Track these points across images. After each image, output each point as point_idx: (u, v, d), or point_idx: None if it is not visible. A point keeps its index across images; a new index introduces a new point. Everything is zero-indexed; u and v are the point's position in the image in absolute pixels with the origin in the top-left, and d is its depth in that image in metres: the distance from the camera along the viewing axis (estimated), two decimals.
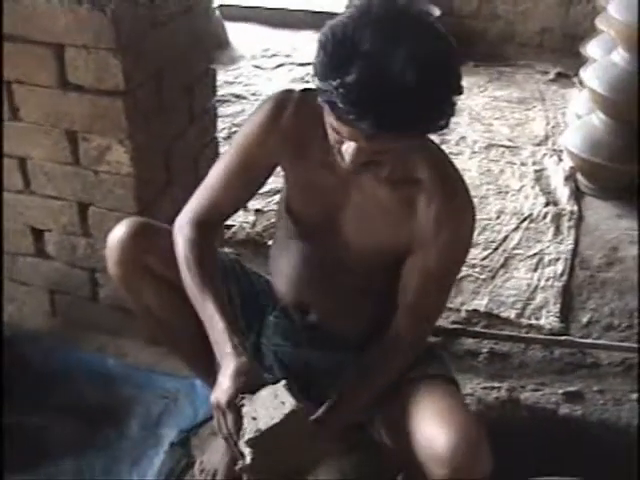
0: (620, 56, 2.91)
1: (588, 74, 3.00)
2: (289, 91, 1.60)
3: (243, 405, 1.41)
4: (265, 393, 1.42)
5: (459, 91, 1.33)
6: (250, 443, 1.37)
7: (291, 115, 1.56)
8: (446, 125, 1.35)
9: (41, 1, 1.84)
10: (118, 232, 1.70)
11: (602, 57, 3.10)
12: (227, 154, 1.67)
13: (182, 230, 1.65)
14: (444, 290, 1.65)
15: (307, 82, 4.02)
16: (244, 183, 1.67)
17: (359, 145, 1.33)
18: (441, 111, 1.31)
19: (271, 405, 1.40)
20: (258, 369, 1.52)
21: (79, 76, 1.91)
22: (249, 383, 1.43)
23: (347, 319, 1.74)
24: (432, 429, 1.50)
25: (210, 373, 1.76)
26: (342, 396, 1.59)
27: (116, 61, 1.85)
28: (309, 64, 4.18)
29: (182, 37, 2.11)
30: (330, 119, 1.34)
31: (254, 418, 1.39)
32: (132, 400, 2.12)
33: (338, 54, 1.25)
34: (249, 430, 1.38)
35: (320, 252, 1.68)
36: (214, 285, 1.60)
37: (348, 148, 1.36)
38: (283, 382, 1.43)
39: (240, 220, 2.83)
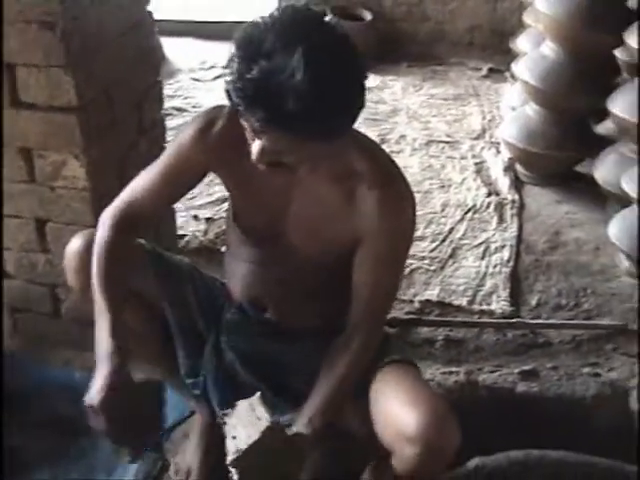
0: (549, 48, 3.04)
1: (519, 67, 3.13)
2: (220, 107, 1.67)
3: (225, 423, 1.47)
4: (242, 407, 1.49)
5: (356, 107, 1.41)
6: (234, 464, 1.44)
7: (221, 129, 1.64)
8: (340, 135, 1.44)
9: None
10: (75, 243, 1.77)
11: (532, 50, 3.23)
12: (158, 160, 1.74)
13: (103, 224, 1.72)
14: (394, 275, 1.71)
15: None
16: (168, 188, 1.74)
17: (262, 143, 1.41)
18: (331, 121, 1.37)
19: (249, 422, 1.47)
20: (128, 373, 1.59)
21: (31, 94, 1.94)
22: (121, 383, 1.53)
23: (302, 315, 1.80)
24: (400, 409, 1.57)
25: (169, 375, 1.81)
26: (314, 396, 1.64)
27: (67, 78, 1.89)
28: None
29: (130, 52, 2.15)
30: (240, 117, 1.42)
31: (234, 437, 1.46)
32: None
33: (245, 50, 1.34)
34: (231, 451, 1.45)
35: (270, 255, 1.75)
36: (114, 285, 1.67)
37: (254, 145, 1.43)
38: (257, 395, 1.50)
39: (192, 229, 2.88)
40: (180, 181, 1.74)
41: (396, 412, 1.57)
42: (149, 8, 2.26)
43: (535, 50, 3.15)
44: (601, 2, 2.85)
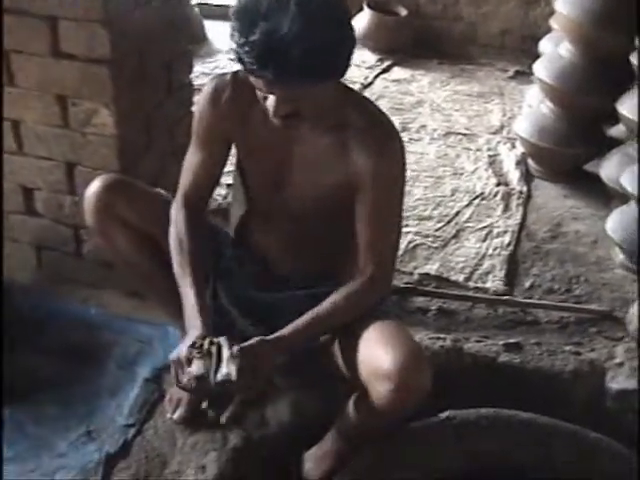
0: (565, 49, 3.17)
1: (537, 66, 3.26)
2: (223, 74, 1.85)
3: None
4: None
5: (349, 42, 1.59)
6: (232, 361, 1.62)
7: (229, 93, 1.81)
8: (343, 72, 1.62)
9: None
10: (94, 185, 1.94)
11: (551, 51, 3.36)
12: (191, 140, 1.92)
13: (175, 213, 1.90)
14: (391, 223, 1.83)
15: None
16: (210, 160, 1.91)
17: (277, 96, 1.58)
18: (332, 59, 1.56)
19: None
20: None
21: (71, 45, 2.12)
22: None
23: (301, 265, 1.96)
24: (378, 348, 1.71)
25: (178, 315, 1.98)
26: (302, 317, 1.77)
27: (104, 32, 2.07)
28: None
29: (164, 17, 2.33)
30: (252, 79, 1.59)
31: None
32: (111, 343, 2.34)
33: (243, 18, 1.51)
34: (226, 357, 1.63)
35: (272, 206, 1.91)
36: (194, 263, 1.84)
37: (270, 101, 1.60)
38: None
39: (214, 193, 3.05)
40: (213, 151, 1.90)
41: (374, 350, 1.72)
42: None
43: (553, 50, 3.28)
44: (617, 5, 2.96)
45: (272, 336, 1.74)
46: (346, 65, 1.63)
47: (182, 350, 1.68)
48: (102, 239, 2.02)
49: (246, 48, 1.50)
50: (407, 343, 1.73)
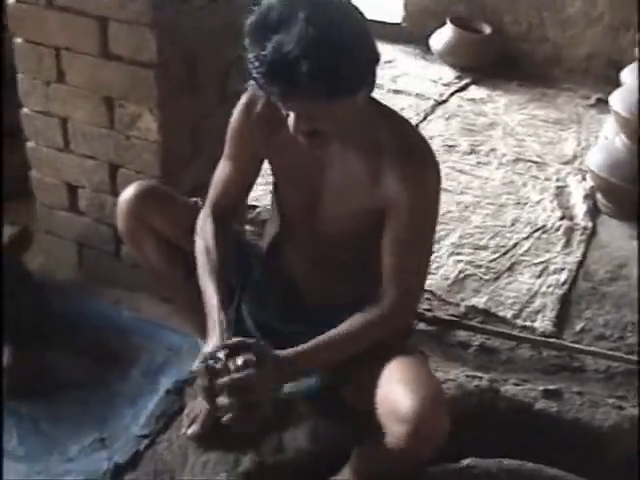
0: None
1: (613, 97, 3.10)
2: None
3: None
4: None
5: (364, 59, 1.49)
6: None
7: (261, 107, 1.75)
8: (361, 90, 1.53)
9: None
10: (128, 192, 1.94)
11: (631, 82, 3.20)
12: (224, 151, 1.88)
13: (201, 224, 1.88)
14: (419, 253, 1.74)
15: None
16: (239, 173, 1.88)
17: (294, 113, 1.52)
18: (344, 76, 1.45)
19: None
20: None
21: (120, 47, 2.11)
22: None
23: (327, 291, 1.89)
24: (397, 389, 1.63)
25: (201, 325, 1.95)
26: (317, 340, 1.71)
27: (151, 36, 2.05)
28: None
29: (219, 23, 2.27)
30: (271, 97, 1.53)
31: None
32: (139, 349, 2.32)
33: (256, 33, 1.44)
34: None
35: (303, 228, 1.85)
36: (219, 273, 1.80)
37: (290, 118, 1.53)
38: None
39: (265, 203, 3.00)
40: (242, 164, 1.87)
41: (394, 391, 1.65)
42: None
43: (633, 82, 3.11)
44: None
45: (291, 350, 1.68)
46: (364, 83, 1.54)
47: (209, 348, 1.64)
48: (131, 245, 2.02)
49: (256, 63, 1.45)
50: (428, 387, 1.64)
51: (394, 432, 1.61)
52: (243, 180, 1.91)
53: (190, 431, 2.06)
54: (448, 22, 4.41)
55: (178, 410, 2.14)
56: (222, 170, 1.90)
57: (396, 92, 4.15)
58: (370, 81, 1.57)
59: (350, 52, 1.45)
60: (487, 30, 4.43)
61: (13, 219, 2.38)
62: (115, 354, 2.30)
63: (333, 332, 1.72)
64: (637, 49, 2.87)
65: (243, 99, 1.81)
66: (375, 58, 1.54)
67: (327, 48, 1.41)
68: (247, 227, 2.84)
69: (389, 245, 1.71)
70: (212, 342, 1.67)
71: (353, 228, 1.77)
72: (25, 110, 2.37)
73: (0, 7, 2.28)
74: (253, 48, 1.45)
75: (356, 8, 1.52)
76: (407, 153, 1.65)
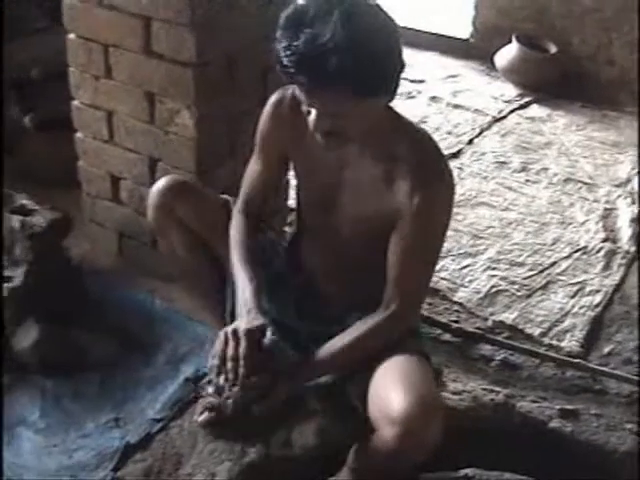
0: None
1: None
2: (285, 88, 1.85)
3: None
4: None
5: (391, 64, 1.56)
6: None
7: (288, 108, 1.82)
8: (384, 94, 1.59)
9: None
10: (159, 184, 2.04)
11: None
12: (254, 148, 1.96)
13: (234, 216, 1.98)
14: (424, 262, 1.78)
15: (413, 97, 4.22)
16: (266, 170, 1.96)
17: (316, 109, 1.57)
18: (370, 75, 1.51)
19: None
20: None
21: (161, 46, 2.20)
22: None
23: (343, 287, 1.94)
24: (391, 390, 1.66)
25: (215, 313, 2.01)
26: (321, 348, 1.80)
27: (190, 36, 2.13)
28: (421, 81, 4.40)
29: (259, 24, 2.32)
30: (295, 90, 1.61)
31: None
32: (165, 338, 2.41)
33: (291, 23, 1.51)
34: None
35: (319, 225, 1.92)
36: (251, 258, 1.91)
37: (311, 116, 1.58)
38: None
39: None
40: (270, 162, 1.95)
41: (387, 392, 1.67)
42: None
43: None
44: None
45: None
46: (388, 88, 1.60)
47: (245, 322, 1.76)
48: (159, 234, 2.12)
49: (287, 52, 1.51)
50: (420, 389, 1.66)
51: (385, 433, 1.64)
52: (270, 177, 1.99)
53: (201, 418, 2.11)
54: (514, 40, 4.39)
55: (194, 399, 2.20)
56: (251, 167, 1.99)
57: (455, 107, 4.16)
58: (393, 87, 1.62)
59: (379, 55, 1.52)
60: (553, 49, 4.39)
61: (60, 206, 2.48)
62: (142, 340, 2.38)
63: (340, 340, 1.79)
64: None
65: (271, 99, 1.88)
66: (401, 66, 1.59)
67: (358, 47, 1.47)
68: (287, 229, 2.89)
69: (394, 251, 1.75)
70: (246, 318, 1.78)
71: (368, 230, 1.81)
72: (75, 102, 2.48)
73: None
74: (286, 39, 1.51)
75: (389, 16, 1.58)
76: (421, 164, 1.69)
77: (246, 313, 1.81)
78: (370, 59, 1.50)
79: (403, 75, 1.62)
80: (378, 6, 1.57)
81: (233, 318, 1.99)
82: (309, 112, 1.62)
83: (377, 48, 1.52)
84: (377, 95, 1.60)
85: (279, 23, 1.53)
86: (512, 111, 4.18)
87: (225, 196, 2.10)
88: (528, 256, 2.99)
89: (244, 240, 1.93)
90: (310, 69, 1.50)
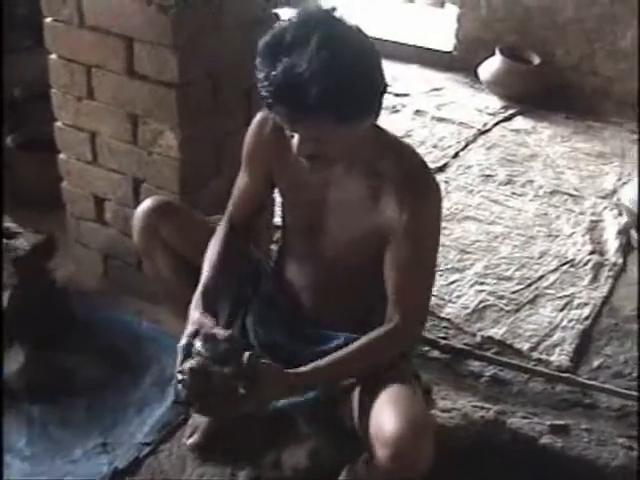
0: None
1: None
2: None
3: None
4: None
5: (373, 87, 1.55)
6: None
7: (270, 128, 1.81)
8: (368, 117, 1.58)
9: None
10: (143, 205, 2.02)
11: None
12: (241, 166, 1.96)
13: (218, 226, 1.97)
14: (420, 274, 1.77)
15: (397, 111, 4.22)
16: (252, 187, 1.95)
17: (299, 135, 1.56)
18: (351, 101, 1.50)
19: None
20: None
21: (144, 67, 2.19)
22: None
23: (329, 308, 1.92)
24: (384, 413, 1.65)
25: None
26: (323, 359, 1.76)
27: (173, 57, 2.12)
28: (405, 95, 4.40)
29: (244, 45, 2.30)
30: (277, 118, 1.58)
31: None
32: (153, 359, 2.38)
33: (268, 53, 1.50)
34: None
35: (304, 245, 1.90)
36: (214, 263, 1.90)
37: (294, 140, 1.57)
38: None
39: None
40: (254, 179, 1.94)
41: (381, 414, 1.67)
42: (275, 10, 2.46)
43: None
44: None
45: (292, 370, 1.73)
46: (371, 110, 1.59)
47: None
48: (144, 256, 2.10)
49: (265, 82, 1.51)
50: (413, 413, 1.65)
51: (379, 454, 1.63)
52: (255, 194, 1.98)
53: (190, 441, 2.10)
54: (497, 52, 4.40)
55: (182, 422, 2.18)
56: (238, 185, 1.98)
57: (439, 120, 4.16)
58: (376, 109, 1.61)
59: (359, 79, 1.51)
60: (536, 60, 4.40)
61: (44, 227, 2.46)
62: (129, 362, 2.36)
63: (338, 355, 1.76)
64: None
65: (255, 119, 1.88)
66: (383, 87, 1.59)
67: (337, 73, 1.46)
68: (273, 247, 2.88)
69: (390, 267, 1.75)
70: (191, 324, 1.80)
71: (354, 250, 1.80)
72: (58, 124, 2.47)
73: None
74: (264, 67, 1.51)
75: (367, 37, 1.57)
76: (407, 179, 1.69)
77: (190, 314, 1.82)
78: (350, 85, 1.49)
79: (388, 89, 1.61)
80: (357, 28, 1.56)
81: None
82: (292, 135, 1.61)
83: (357, 73, 1.50)
84: (360, 119, 1.59)
85: (258, 50, 1.52)
86: (497, 123, 4.19)
87: (217, 216, 2.08)
88: (515, 270, 2.98)
89: (216, 244, 1.92)
90: (289, 100, 1.50)
